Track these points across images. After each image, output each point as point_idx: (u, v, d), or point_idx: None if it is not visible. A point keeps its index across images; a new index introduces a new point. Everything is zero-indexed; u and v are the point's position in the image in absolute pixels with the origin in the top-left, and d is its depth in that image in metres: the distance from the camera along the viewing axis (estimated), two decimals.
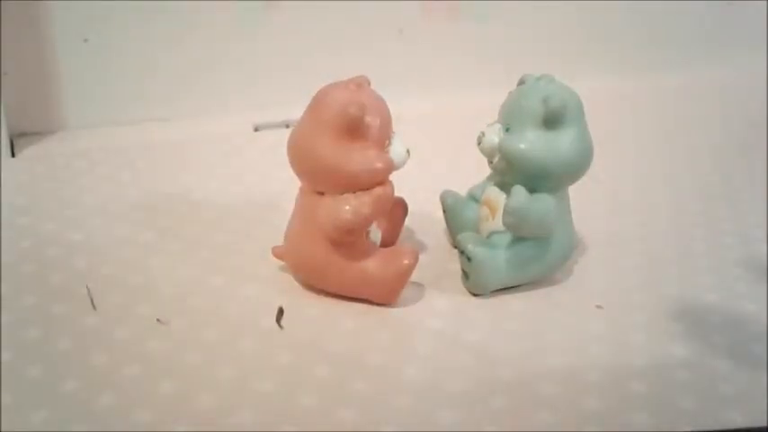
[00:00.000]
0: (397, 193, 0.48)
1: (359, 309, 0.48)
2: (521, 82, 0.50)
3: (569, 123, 0.47)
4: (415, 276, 0.48)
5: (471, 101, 0.72)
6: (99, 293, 0.49)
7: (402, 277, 0.47)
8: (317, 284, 0.49)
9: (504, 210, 0.47)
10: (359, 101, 0.45)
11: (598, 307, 0.48)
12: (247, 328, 0.46)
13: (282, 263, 0.50)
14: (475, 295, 0.49)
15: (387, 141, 0.47)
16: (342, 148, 0.45)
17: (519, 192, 0.47)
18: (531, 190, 0.47)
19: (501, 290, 0.49)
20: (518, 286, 0.49)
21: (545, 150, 0.47)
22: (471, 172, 0.53)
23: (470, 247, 0.48)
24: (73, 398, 0.42)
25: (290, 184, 0.49)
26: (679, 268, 0.52)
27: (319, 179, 0.47)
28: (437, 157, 0.62)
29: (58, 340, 0.45)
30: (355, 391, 0.42)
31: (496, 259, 0.48)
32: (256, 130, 0.70)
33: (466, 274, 0.49)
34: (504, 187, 0.48)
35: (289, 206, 0.49)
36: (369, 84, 0.48)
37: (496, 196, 0.49)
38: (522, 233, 0.48)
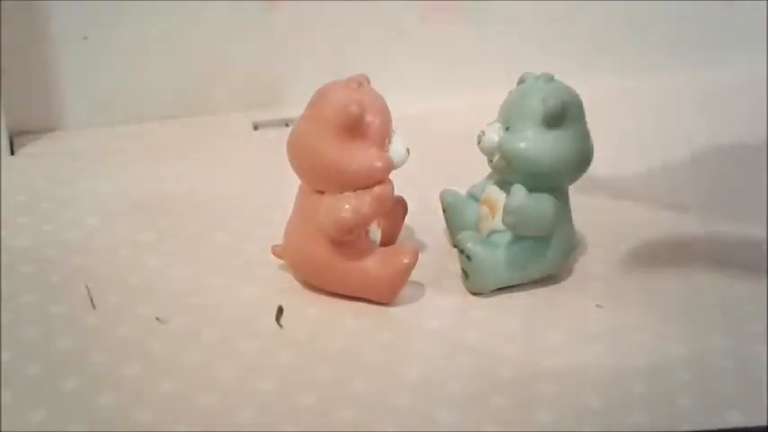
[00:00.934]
0: (396, 193, 0.48)
1: (359, 308, 0.48)
2: (521, 81, 0.50)
3: (569, 122, 0.47)
4: (414, 276, 0.48)
5: (471, 101, 0.72)
6: (98, 293, 0.49)
7: (402, 276, 0.47)
8: (317, 283, 0.49)
9: (504, 209, 0.47)
10: (359, 99, 0.45)
11: (598, 307, 0.48)
12: (247, 328, 0.46)
13: (282, 262, 0.50)
14: (475, 294, 0.49)
15: (387, 140, 0.47)
16: (342, 147, 0.45)
17: (518, 191, 0.47)
18: (531, 189, 0.47)
19: (501, 290, 0.49)
20: (518, 286, 0.49)
21: (545, 149, 0.47)
22: (471, 172, 0.52)
23: (470, 246, 0.48)
24: (72, 397, 0.42)
25: (289, 183, 0.49)
26: (679, 268, 0.52)
27: (319, 178, 0.47)
28: (437, 157, 0.62)
29: (57, 339, 0.45)
30: (355, 391, 0.42)
31: (496, 258, 0.48)
32: (256, 128, 0.70)
33: (465, 274, 0.49)
34: (504, 186, 0.48)
35: (288, 205, 0.49)
36: (369, 82, 0.48)
37: (496, 195, 0.49)
38: (522, 232, 0.48)
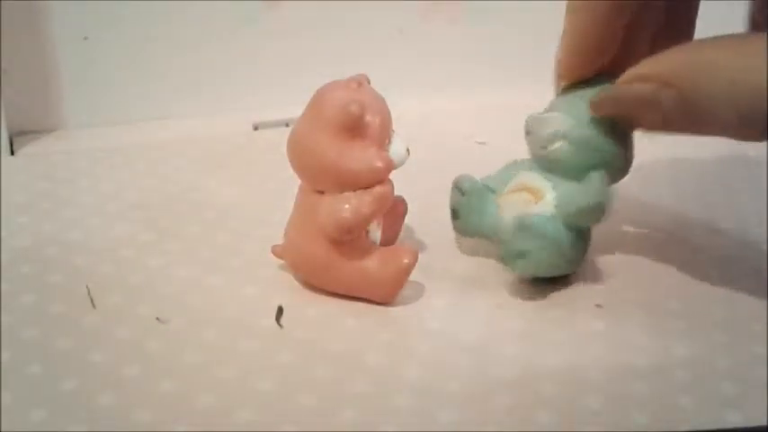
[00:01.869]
0: (396, 192, 0.48)
1: (359, 308, 0.48)
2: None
3: None
4: (414, 276, 0.48)
5: (471, 101, 0.72)
6: (98, 293, 0.49)
7: (401, 276, 0.47)
8: (317, 283, 0.49)
9: (587, 206, 0.47)
10: (359, 99, 0.45)
11: (598, 306, 0.48)
12: (247, 328, 0.46)
13: (282, 262, 0.50)
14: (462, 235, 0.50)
15: (387, 140, 0.47)
16: (342, 147, 0.45)
17: (598, 180, 0.47)
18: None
19: (500, 289, 0.49)
20: (518, 285, 0.49)
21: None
22: (471, 171, 0.52)
23: (464, 182, 0.49)
24: (72, 397, 0.42)
25: (289, 183, 0.49)
26: (679, 267, 0.52)
27: (319, 178, 0.47)
28: (437, 157, 0.62)
29: (57, 339, 0.45)
30: (355, 391, 0.42)
31: (488, 201, 0.49)
32: (256, 128, 0.70)
33: (455, 213, 0.49)
34: (548, 176, 0.49)
35: (288, 205, 0.49)
36: (369, 82, 0.48)
37: (540, 182, 0.49)
38: (584, 223, 0.48)
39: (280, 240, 0.50)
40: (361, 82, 0.47)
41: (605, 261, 0.52)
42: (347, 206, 0.46)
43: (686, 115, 0.43)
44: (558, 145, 0.48)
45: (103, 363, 0.44)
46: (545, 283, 0.50)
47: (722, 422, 0.41)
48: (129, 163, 0.64)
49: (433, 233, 0.54)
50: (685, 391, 0.42)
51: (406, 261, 0.47)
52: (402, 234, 0.53)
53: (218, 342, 0.45)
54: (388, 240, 0.51)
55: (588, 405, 0.42)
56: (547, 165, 0.49)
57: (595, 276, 0.51)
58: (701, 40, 0.45)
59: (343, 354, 0.45)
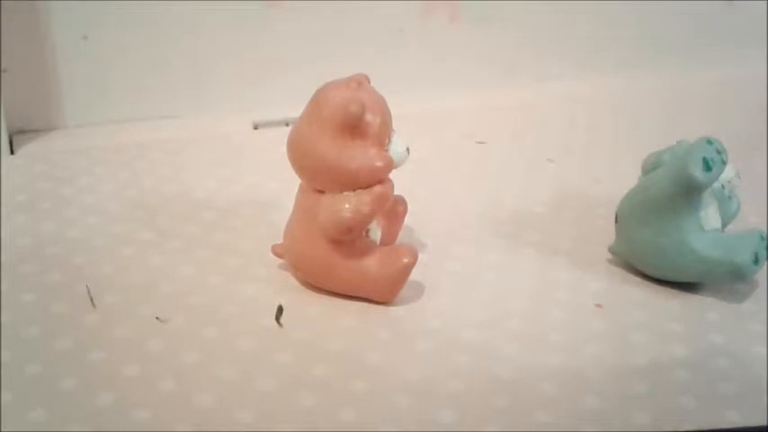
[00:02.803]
0: (396, 192, 0.48)
1: (358, 308, 0.48)
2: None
3: None
4: (414, 275, 0.48)
5: (471, 101, 0.72)
6: (98, 293, 0.49)
7: (402, 276, 0.47)
8: (317, 283, 0.49)
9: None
10: (359, 99, 0.45)
11: (598, 306, 0.48)
12: (247, 328, 0.46)
13: (282, 261, 0.50)
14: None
15: (387, 140, 0.47)
16: (342, 146, 0.45)
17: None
18: None
19: (501, 289, 0.49)
20: (518, 285, 0.49)
21: None
22: (471, 171, 0.52)
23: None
24: (72, 397, 0.42)
25: (289, 183, 0.49)
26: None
27: (319, 177, 0.47)
28: (437, 157, 0.62)
29: (57, 339, 0.45)
30: (355, 391, 0.42)
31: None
32: (256, 128, 0.70)
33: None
34: None
35: (288, 205, 0.49)
36: (369, 82, 0.48)
37: None
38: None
39: (279, 240, 0.50)
40: (362, 82, 0.47)
41: (605, 261, 0.52)
42: (347, 206, 0.46)
43: None
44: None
45: (103, 362, 0.44)
46: (545, 284, 0.50)
47: (722, 422, 0.41)
48: (129, 162, 0.64)
49: (432, 233, 0.54)
50: (685, 391, 0.42)
51: (405, 261, 0.47)
52: (402, 234, 0.53)
53: (218, 342, 0.45)
54: (388, 240, 0.51)
55: (588, 405, 0.41)
56: None
57: (596, 276, 0.51)
58: None
59: (343, 353, 0.45)
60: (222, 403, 0.41)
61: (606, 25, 0.76)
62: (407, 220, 0.53)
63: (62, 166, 0.63)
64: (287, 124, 0.67)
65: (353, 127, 0.45)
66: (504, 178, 0.61)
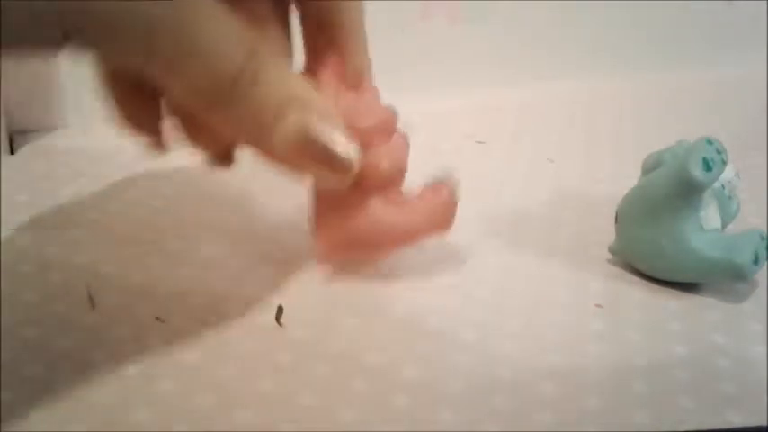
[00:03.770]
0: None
1: (359, 308, 0.48)
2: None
3: None
4: (414, 275, 0.48)
5: (471, 101, 0.72)
6: (98, 293, 0.49)
7: (450, 206, 0.47)
8: (374, 251, 0.48)
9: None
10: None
11: (598, 306, 0.48)
12: (247, 328, 0.46)
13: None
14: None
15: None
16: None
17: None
18: None
19: (501, 289, 0.49)
20: (517, 285, 0.49)
21: None
22: (471, 171, 0.52)
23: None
24: (72, 397, 0.42)
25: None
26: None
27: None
28: (437, 157, 0.62)
29: (57, 339, 0.45)
30: (355, 391, 0.42)
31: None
32: None
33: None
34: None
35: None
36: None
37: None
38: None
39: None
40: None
41: (605, 261, 0.52)
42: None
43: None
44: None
45: (103, 363, 0.44)
46: (545, 284, 0.50)
47: (722, 422, 0.41)
48: (129, 162, 0.64)
49: None
50: (685, 391, 0.42)
51: (446, 191, 0.47)
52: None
53: (218, 342, 0.45)
54: (396, 178, 0.48)
55: (588, 405, 0.42)
56: None
57: (595, 276, 0.51)
58: None
59: (343, 354, 0.45)
60: (222, 403, 0.41)
61: (606, 25, 0.76)
62: None
63: (62, 166, 0.63)
64: None
65: None
66: (504, 178, 0.61)
